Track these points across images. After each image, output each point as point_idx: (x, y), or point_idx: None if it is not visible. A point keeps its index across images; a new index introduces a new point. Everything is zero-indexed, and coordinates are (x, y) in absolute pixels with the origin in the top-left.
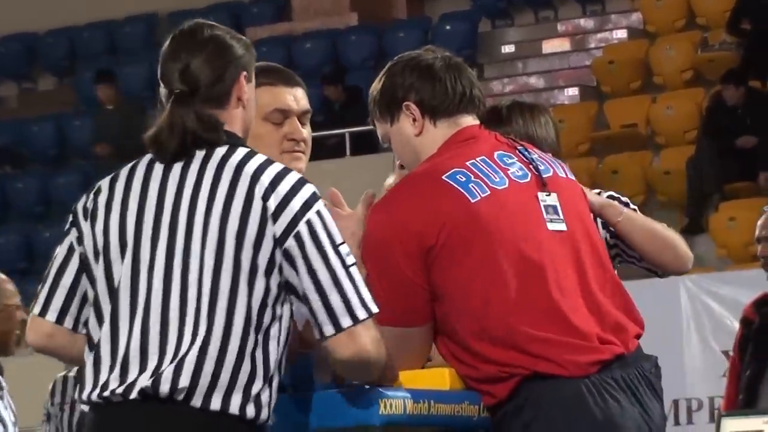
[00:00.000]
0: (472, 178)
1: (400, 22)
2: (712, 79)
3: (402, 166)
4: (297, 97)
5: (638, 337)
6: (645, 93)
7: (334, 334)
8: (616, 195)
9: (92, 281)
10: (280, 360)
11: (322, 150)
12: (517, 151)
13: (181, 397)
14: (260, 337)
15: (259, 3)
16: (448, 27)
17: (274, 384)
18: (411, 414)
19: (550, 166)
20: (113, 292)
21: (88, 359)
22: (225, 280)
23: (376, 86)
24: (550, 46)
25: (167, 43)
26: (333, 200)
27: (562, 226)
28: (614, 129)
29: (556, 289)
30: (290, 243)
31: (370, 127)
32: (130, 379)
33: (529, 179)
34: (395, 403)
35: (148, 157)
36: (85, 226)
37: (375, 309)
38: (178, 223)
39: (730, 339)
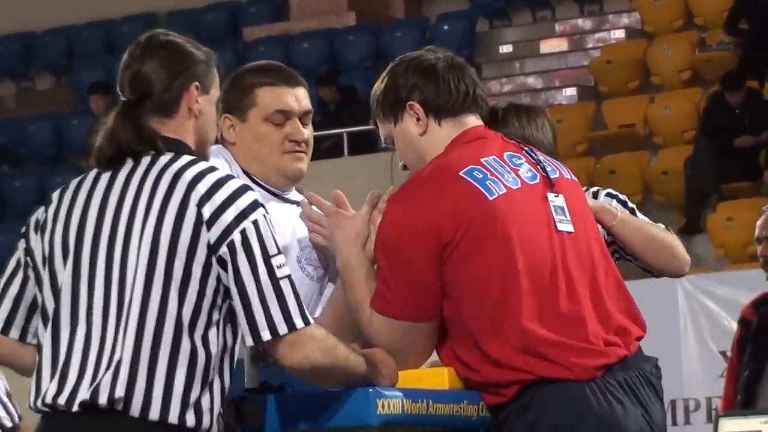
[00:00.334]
0: (489, 176)
1: (398, 22)
2: (710, 79)
3: (405, 167)
4: (298, 98)
5: (639, 339)
6: (643, 93)
7: (253, 345)
8: (615, 193)
9: (41, 290)
10: (221, 365)
11: (319, 150)
12: (524, 152)
13: (119, 407)
14: (197, 343)
15: (256, 3)
16: (445, 27)
17: (216, 390)
18: (409, 413)
19: (556, 168)
20: (57, 300)
21: (35, 367)
22: (156, 286)
23: (378, 86)
24: (547, 46)
25: (126, 53)
26: (337, 202)
27: (570, 228)
28: (612, 129)
29: (566, 290)
30: (223, 251)
31: (368, 126)
32: (69, 388)
33: (538, 180)
34: (393, 402)
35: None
36: (35, 238)
37: (300, 324)
38: (117, 230)
39: (727, 339)
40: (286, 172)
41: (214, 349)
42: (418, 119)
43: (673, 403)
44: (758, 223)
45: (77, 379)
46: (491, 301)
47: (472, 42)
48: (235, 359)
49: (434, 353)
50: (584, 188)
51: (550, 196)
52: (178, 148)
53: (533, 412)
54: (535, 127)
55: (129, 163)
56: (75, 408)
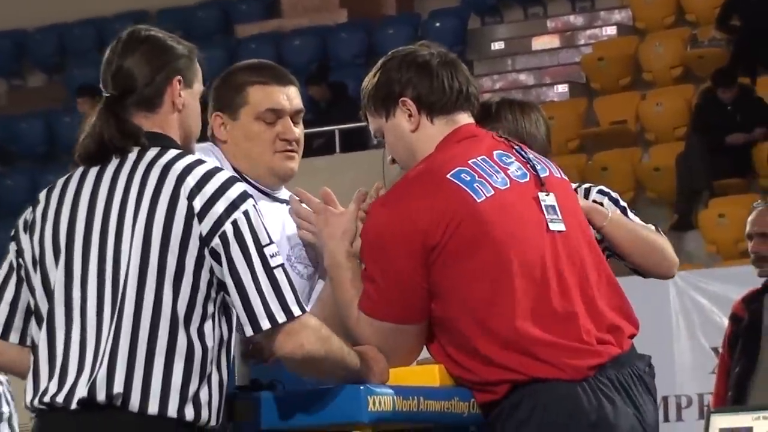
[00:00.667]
0: (476, 178)
1: (390, 19)
2: (702, 75)
3: (394, 161)
4: (290, 97)
5: (632, 336)
6: (634, 90)
7: (255, 335)
8: (606, 190)
9: (32, 291)
10: (218, 358)
11: (311, 148)
12: (514, 151)
13: (118, 402)
14: (193, 337)
15: (248, 0)
16: (437, 24)
17: (214, 383)
18: (400, 411)
19: (546, 166)
20: (50, 300)
21: (30, 367)
22: (150, 280)
23: (370, 81)
24: (539, 42)
25: (107, 49)
26: (325, 199)
27: (562, 226)
28: (604, 126)
29: (558, 290)
30: (216, 242)
31: (359, 124)
32: (68, 384)
33: (528, 179)
34: (384, 399)
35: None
36: (25, 238)
37: (297, 311)
38: (108, 227)
39: (719, 335)
40: (277, 171)
41: (210, 342)
42: (411, 115)
43: (665, 399)
44: (749, 219)
45: (75, 376)
46: (482, 303)
47: (464, 39)
48: (231, 353)
49: (424, 350)
50: (576, 185)
51: (541, 195)
52: (164, 142)
53: (524, 410)
54: (529, 121)
55: (115, 159)
56: (73, 405)
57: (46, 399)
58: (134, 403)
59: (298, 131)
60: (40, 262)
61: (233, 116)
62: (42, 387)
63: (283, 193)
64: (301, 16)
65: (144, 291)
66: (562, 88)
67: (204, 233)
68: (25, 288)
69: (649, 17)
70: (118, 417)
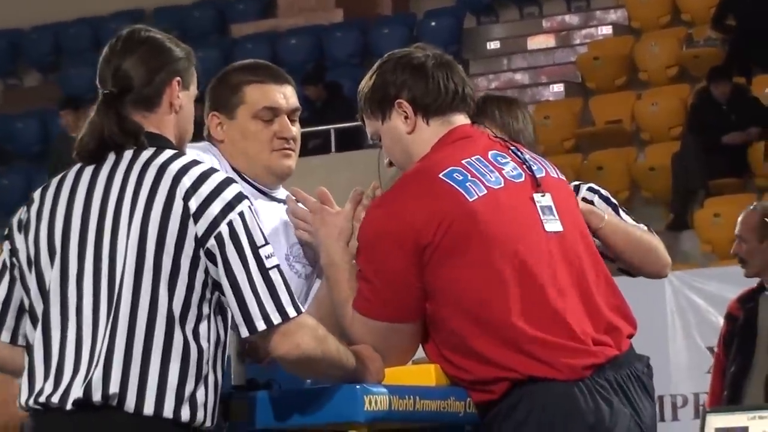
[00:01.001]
0: (469, 177)
1: (385, 19)
2: (698, 75)
3: (391, 163)
4: (286, 95)
5: (630, 336)
6: (630, 89)
7: (248, 336)
8: (596, 188)
9: (27, 291)
10: (214, 359)
11: (307, 148)
12: (510, 151)
13: (114, 403)
14: (188, 337)
15: (244, 0)
16: (433, 23)
17: (210, 383)
18: (396, 410)
19: (542, 166)
20: (45, 300)
21: (25, 367)
22: (146, 280)
23: (366, 83)
24: (535, 42)
25: (106, 47)
26: (322, 199)
27: (558, 227)
28: (599, 125)
29: (553, 290)
30: (211, 243)
31: (355, 123)
32: (64, 385)
33: (523, 179)
34: (380, 399)
35: (78, 164)
36: (19, 238)
37: (292, 312)
38: (104, 227)
39: (715, 335)
40: (275, 169)
41: (205, 342)
42: (407, 117)
43: (660, 399)
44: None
45: (71, 377)
46: (475, 302)
47: (460, 38)
48: (226, 354)
49: (420, 350)
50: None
51: (537, 196)
52: (160, 142)
53: (522, 411)
54: (515, 117)
55: (111, 158)
56: (69, 406)
57: (42, 399)
58: (130, 403)
59: (295, 129)
60: (35, 262)
61: (230, 115)
62: (37, 387)
63: (281, 192)
64: (297, 15)
65: (140, 291)
66: (558, 88)
67: (199, 234)
68: (18, 287)
69: (644, 17)
70: (113, 417)
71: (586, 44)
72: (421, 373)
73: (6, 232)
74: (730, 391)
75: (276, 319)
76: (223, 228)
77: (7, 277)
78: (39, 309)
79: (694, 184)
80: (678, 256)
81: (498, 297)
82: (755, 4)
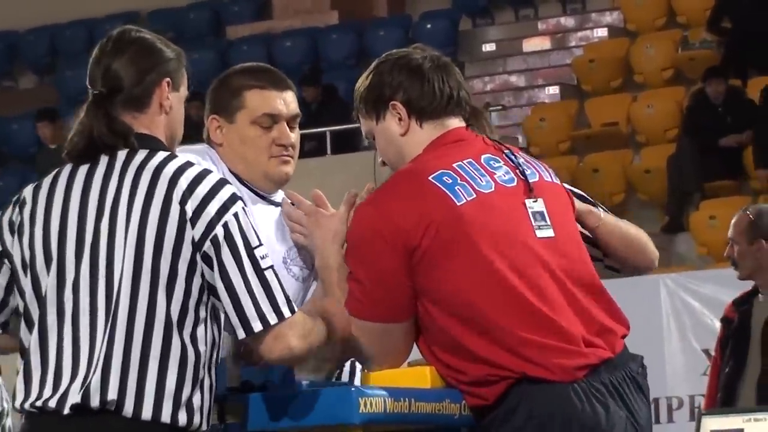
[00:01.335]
0: (459, 181)
1: (381, 21)
2: (693, 77)
3: (384, 163)
4: (287, 101)
5: (624, 337)
6: (626, 91)
7: (246, 337)
8: (568, 187)
9: (21, 293)
10: (210, 362)
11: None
12: (503, 155)
13: (112, 408)
14: (186, 341)
15: (239, 1)
16: (428, 25)
17: (206, 387)
18: (391, 412)
19: (536, 170)
20: (42, 305)
21: (20, 369)
22: (144, 285)
23: (363, 83)
24: (530, 44)
25: (96, 47)
26: (316, 201)
27: (550, 232)
28: (595, 127)
29: (542, 293)
30: (207, 246)
31: (350, 125)
32: (62, 390)
33: (515, 184)
34: (375, 401)
35: (70, 165)
36: (11, 240)
37: (288, 313)
38: (100, 231)
39: (710, 337)
40: (273, 175)
41: (202, 346)
42: (401, 119)
43: (656, 401)
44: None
45: (69, 382)
46: (465, 305)
47: (455, 40)
48: (220, 356)
49: (416, 352)
50: None
51: (529, 201)
52: (152, 144)
53: (520, 418)
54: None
55: (104, 160)
56: (66, 411)
57: (38, 403)
58: (128, 408)
59: (294, 136)
60: (30, 266)
61: (230, 119)
62: (34, 390)
63: (279, 196)
64: (292, 17)
65: (138, 296)
66: (554, 90)
67: (196, 238)
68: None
69: (639, 19)
70: (111, 422)
71: (581, 46)
72: (417, 375)
73: None
74: (723, 393)
75: (272, 319)
76: (219, 230)
77: None
78: (35, 313)
79: (690, 187)
80: (673, 259)
81: (486, 300)
82: (751, 6)
